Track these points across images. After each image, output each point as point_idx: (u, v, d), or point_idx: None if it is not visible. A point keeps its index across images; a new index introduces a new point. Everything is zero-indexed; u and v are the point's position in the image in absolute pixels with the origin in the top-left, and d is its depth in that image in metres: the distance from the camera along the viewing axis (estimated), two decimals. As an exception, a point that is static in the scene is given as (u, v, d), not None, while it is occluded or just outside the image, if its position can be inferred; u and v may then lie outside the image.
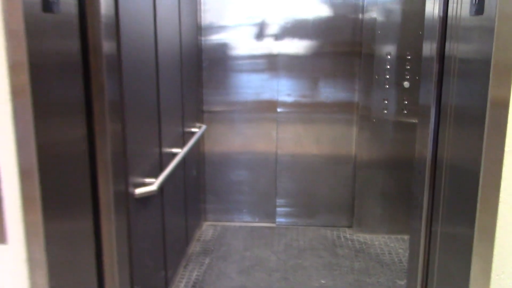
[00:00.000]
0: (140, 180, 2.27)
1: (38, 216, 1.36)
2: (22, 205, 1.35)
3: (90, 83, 1.69)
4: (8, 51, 1.25)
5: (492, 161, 1.49)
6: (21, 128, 1.30)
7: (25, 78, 1.27)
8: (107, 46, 1.73)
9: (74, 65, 1.59)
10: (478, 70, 1.53)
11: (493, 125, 1.47)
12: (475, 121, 1.54)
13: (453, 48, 1.77)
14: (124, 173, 2.00)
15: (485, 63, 1.47)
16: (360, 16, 3.70)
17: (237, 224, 4.09)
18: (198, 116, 3.81)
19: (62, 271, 1.52)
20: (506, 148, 1.44)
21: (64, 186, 1.54)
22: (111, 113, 1.78)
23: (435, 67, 1.85)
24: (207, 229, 4.00)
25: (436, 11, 1.89)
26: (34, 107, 1.30)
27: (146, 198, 2.32)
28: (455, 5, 1.74)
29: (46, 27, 1.37)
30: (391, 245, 3.72)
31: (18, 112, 1.29)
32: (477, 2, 1.50)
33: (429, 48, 1.98)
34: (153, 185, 2.27)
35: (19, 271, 1.39)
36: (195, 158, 3.72)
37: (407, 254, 3.50)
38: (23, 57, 1.25)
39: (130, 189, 2.11)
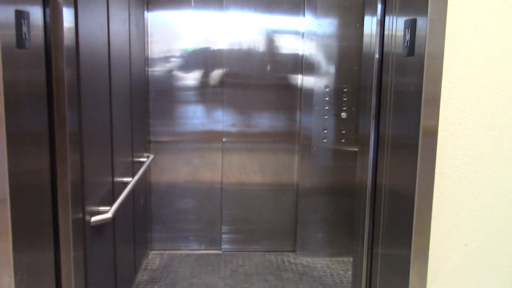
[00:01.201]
0: (95, 208, 2.31)
1: (8, 244, 1.40)
2: (-8, 232, 1.38)
3: (52, 113, 1.75)
4: (-15, 83, 1.31)
5: (424, 184, 1.67)
6: (-6, 157, 1.35)
7: (0, 108, 1.33)
8: (69, 76, 1.79)
9: (40, 95, 1.65)
10: (411, 102, 1.73)
11: (425, 152, 1.66)
12: (409, 148, 1.72)
13: (389, 82, 1.97)
14: (82, 202, 2.05)
15: (417, 96, 1.67)
16: (300, 51, 3.94)
17: (184, 252, 4.13)
18: (146, 146, 3.87)
19: (26, 298, 1.55)
20: (436, 170, 1.64)
21: (28, 215, 1.57)
22: (71, 143, 1.83)
23: (373, 100, 2.05)
24: (154, 257, 4.01)
25: (373, 49, 2.09)
26: (7, 136, 1.35)
27: (100, 227, 2.35)
28: (390, 45, 1.96)
29: (18, 61, 1.44)
30: (333, 267, 3.90)
31: (-9, 142, 1.34)
32: (408, 45, 1.72)
33: (367, 83, 2.17)
34: (108, 212, 2.31)
35: (-14, 298, 1.42)
36: (143, 187, 3.76)
37: (347, 275, 3.68)
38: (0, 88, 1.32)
39: (87, 217, 2.15)
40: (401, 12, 1.82)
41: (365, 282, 2.25)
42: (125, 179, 2.94)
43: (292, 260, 4.03)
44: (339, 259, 4.05)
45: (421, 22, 1.63)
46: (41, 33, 1.62)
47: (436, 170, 1.65)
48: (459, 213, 1.68)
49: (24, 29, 1.46)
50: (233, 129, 4.03)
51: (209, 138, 4.05)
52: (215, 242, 4.18)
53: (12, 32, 1.39)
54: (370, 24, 2.11)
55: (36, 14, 1.57)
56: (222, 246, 4.18)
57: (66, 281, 1.87)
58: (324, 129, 3.92)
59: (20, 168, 1.47)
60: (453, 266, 1.71)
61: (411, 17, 1.70)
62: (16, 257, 1.44)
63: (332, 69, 3.87)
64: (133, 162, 3.26)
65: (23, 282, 1.49)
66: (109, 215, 2.30)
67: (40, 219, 1.67)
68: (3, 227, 1.39)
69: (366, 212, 2.18)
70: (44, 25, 1.65)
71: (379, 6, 1.99)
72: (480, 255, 1.71)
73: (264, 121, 4.04)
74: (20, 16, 1.43)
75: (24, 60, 1.48)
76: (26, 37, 1.47)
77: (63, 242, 1.84)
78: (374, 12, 2.04)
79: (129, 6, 3.09)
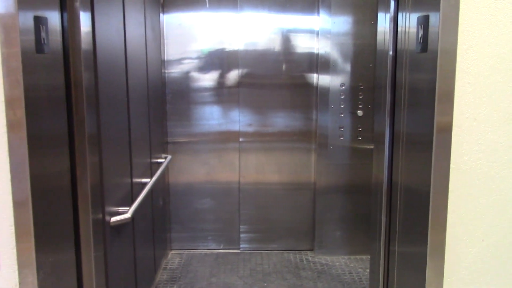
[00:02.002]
0: (114, 209, 2.35)
1: (31, 244, 1.44)
2: (16, 233, 1.43)
3: (71, 116, 1.79)
4: (6, 87, 1.35)
5: (440, 180, 1.67)
6: (16, 160, 1.39)
7: (21, 112, 1.37)
8: (87, 79, 1.83)
9: (59, 99, 1.69)
10: (425, 99, 1.72)
11: (440, 148, 1.65)
12: (424, 145, 1.71)
13: (403, 79, 1.97)
14: (101, 203, 2.09)
15: (431, 92, 1.67)
16: (315, 50, 3.94)
17: (203, 251, 4.17)
18: (163, 147, 3.91)
19: (49, 296, 1.59)
20: (452, 166, 1.64)
21: (50, 216, 1.61)
22: (90, 145, 1.87)
23: (388, 97, 2.05)
24: (173, 257, 4.06)
25: (387, 46, 2.09)
26: (28, 140, 1.39)
27: (120, 227, 2.40)
28: (403, 41, 1.96)
29: (38, 65, 1.48)
30: (351, 265, 3.90)
31: (13, 145, 1.38)
32: (421, 41, 1.72)
33: (381, 80, 2.16)
34: (127, 213, 2.35)
35: (11, 296, 1.46)
36: (161, 188, 3.80)
37: (366, 273, 3.68)
38: (20, 93, 1.36)
39: (106, 218, 2.19)
40: (413, 8, 1.82)
41: (382, 279, 2.25)
42: (144, 180, 2.99)
43: (310, 258, 4.04)
44: (358, 257, 4.05)
45: (433, 18, 1.63)
46: (59, 37, 1.66)
47: (451, 166, 1.64)
48: (475, 209, 1.67)
49: (43, 34, 1.50)
50: (250, 129, 4.06)
51: (226, 138, 4.08)
52: (233, 241, 4.21)
53: (32, 37, 1.43)
54: (384, 21, 2.11)
55: (54, 19, 1.61)
56: (241, 245, 4.20)
57: (87, 280, 1.91)
58: (340, 127, 3.92)
59: (41, 171, 1.52)
60: (470, 262, 1.70)
61: (424, 13, 1.70)
62: (39, 257, 1.48)
63: (347, 67, 3.87)
64: (151, 163, 3.30)
65: (45, 281, 1.54)
66: (128, 215, 2.34)
67: (61, 220, 1.72)
68: (25, 228, 1.43)
69: (383, 210, 2.17)
70: (62, 29, 1.68)
71: (392, 3, 1.99)
72: (497, 250, 1.70)
73: (281, 121, 4.05)
74: (39, 22, 1.47)
75: (43, 64, 1.52)
76: (45, 42, 1.51)
77: (84, 242, 1.87)
78: (387, 9, 2.04)
79: (144, 8, 3.14)
